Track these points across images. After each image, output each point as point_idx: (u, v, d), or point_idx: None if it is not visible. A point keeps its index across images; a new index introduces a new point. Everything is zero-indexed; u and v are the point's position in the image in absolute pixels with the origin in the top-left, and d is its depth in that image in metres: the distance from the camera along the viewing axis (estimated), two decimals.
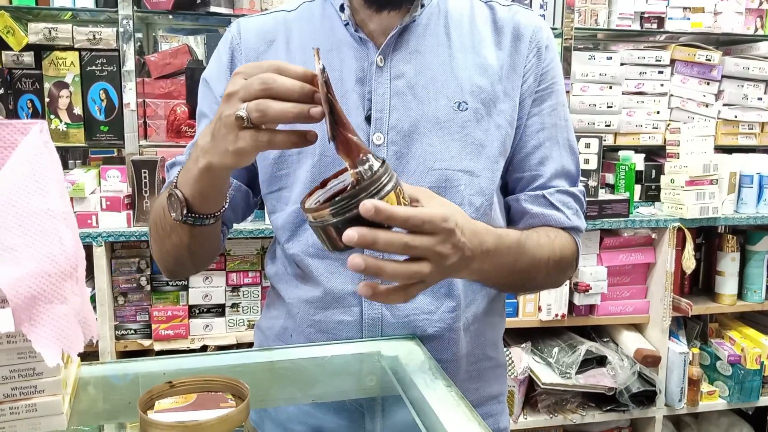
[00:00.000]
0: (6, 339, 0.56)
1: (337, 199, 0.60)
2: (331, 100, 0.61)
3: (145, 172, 1.85)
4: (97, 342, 1.86)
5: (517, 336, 2.26)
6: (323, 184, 0.68)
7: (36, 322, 0.52)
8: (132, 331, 1.94)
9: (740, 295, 2.30)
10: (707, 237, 2.39)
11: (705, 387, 2.30)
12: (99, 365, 0.81)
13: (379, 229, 0.60)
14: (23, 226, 0.54)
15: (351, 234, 0.59)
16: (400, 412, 0.64)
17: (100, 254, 1.83)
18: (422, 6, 0.90)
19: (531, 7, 2.13)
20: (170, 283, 1.95)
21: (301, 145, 0.66)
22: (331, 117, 0.62)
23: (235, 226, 1.91)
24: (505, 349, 2.07)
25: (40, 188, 0.56)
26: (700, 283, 2.42)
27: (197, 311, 1.98)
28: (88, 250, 1.80)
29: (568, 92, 2.19)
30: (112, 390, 0.77)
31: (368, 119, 0.87)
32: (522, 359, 2.12)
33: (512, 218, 0.97)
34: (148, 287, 1.93)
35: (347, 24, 0.89)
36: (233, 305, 1.99)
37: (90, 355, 1.77)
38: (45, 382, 0.58)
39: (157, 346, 1.93)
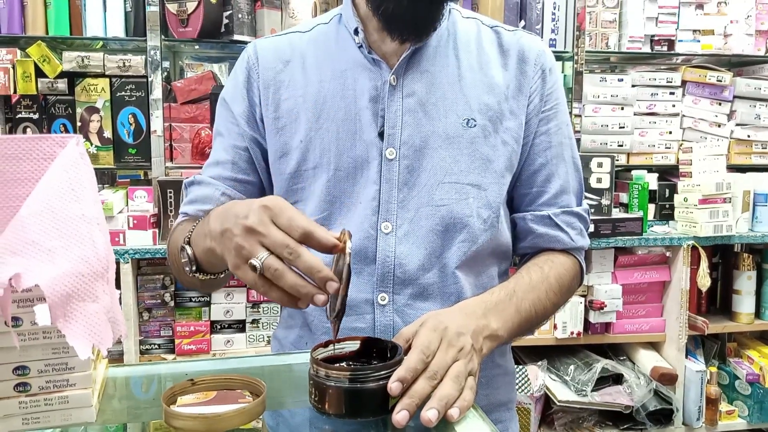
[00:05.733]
0: (42, 334, 0.60)
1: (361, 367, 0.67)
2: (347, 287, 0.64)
3: (170, 193, 1.93)
4: (123, 356, 1.92)
5: (532, 354, 2.27)
6: (326, 345, 0.71)
7: (70, 318, 0.56)
8: (156, 346, 2.00)
9: (758, 314, 2.29)
10: (724, 256, 2.39)
11: (724, 406, 2.28)
12: (125, 367, 0.85)
13: (409, 396, 0.65)
14: (60, 230, 0.58)
15: (404, 415, 0.64)
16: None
17: (126, 271, 1.90)
18: (433, 30, 0.94)
19: (543, 30, 2.18)
20: (193, 299, 2.01)
21: (290, 306, 0.68)
22: (343, 297, 0.65)
23: None
24: (521, 367, 2.11)
25: (75, 196, 0.61)
26: (717, 302, 2.41)
27: (219, 327, 2.03)
28: (116, 266, 1.86)
29: (578, 115, 2.23)
30: (136, 389, 0.80)
31: (381, 135, 0.92)
32: (538, 377, 2.12)
33: (518, 236, 1.01)
34: (172, 303, 1.99)
35: (360, 46, 0.95)
36: (253, 321, 2.04)
37: None
38: (76, 377, 0.62)
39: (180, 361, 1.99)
